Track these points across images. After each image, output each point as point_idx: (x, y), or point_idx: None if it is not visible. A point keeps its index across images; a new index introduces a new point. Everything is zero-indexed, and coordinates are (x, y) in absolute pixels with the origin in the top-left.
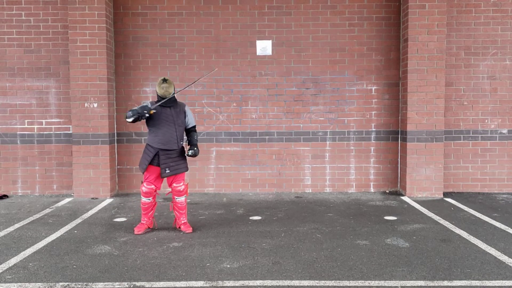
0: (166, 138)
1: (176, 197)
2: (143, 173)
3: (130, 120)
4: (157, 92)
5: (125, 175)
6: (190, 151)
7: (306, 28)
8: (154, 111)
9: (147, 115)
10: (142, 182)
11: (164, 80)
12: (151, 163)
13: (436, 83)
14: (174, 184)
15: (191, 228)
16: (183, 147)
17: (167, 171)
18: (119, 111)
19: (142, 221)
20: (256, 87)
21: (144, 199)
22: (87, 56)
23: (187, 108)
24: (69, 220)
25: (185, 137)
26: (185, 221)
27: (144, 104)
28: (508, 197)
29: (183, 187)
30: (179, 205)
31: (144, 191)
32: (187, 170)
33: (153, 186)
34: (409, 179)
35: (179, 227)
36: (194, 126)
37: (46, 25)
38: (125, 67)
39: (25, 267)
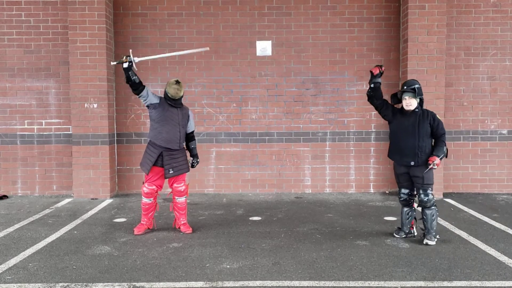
0: (169, 136)
1: (176, 197)
2: (147, 173)
3: (125, 66)
4: (166, 92)
5: (124, 176)
6: (194, 163)
7: (306, 29)
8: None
9: (131, 59)
10: (143, 183)
11: (177, 82)
12: (155, 164)
13: (436, 84)
14: (175, 185)
15: (190, 229)
16: (184, 148)
17: (170, 172)
18: (119, 112)
19: (142, 222)
20: (256, 88)
21: (145, 200)
22: (87, 57)
23: (190, 113)
24: (69, 220)
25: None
26: (184, 221)
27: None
28: (508, 198)
29: (183, 187)
30: (179, 205)
31: (145, 191)
32: (188, 170)
33: (154, 187)
34: None
35: (179, 228)
36: (193, 131)
37: (46, 25)
38: None
39: (24, 268)
